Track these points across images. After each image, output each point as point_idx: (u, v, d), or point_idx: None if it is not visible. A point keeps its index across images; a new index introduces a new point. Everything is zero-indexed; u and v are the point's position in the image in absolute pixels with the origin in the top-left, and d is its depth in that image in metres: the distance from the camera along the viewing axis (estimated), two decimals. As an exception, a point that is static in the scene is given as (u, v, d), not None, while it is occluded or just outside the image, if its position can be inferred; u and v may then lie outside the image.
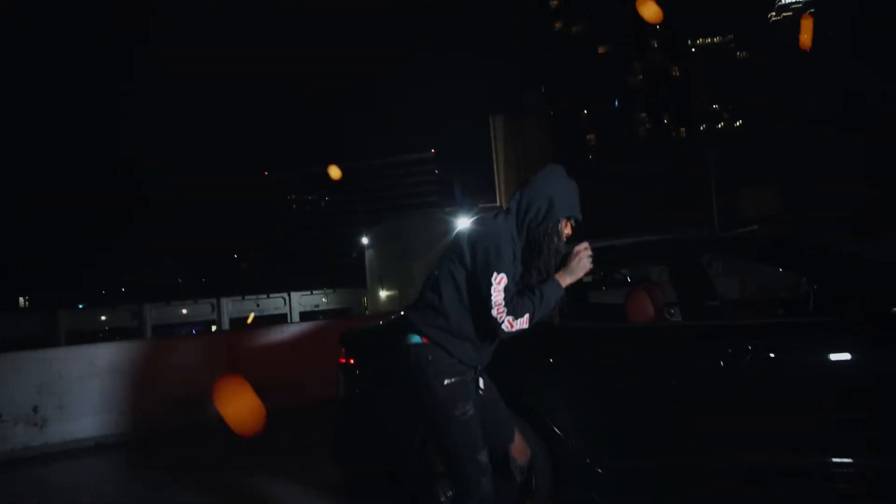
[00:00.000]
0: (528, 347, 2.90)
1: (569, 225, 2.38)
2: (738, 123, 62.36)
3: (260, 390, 6.61)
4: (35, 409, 5.96)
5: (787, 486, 2.71)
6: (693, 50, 68.51)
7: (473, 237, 2.30)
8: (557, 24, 74.32)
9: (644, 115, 70.56)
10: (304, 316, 44.56)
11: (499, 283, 2.18)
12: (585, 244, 2.34)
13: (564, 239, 2.36)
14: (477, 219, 2.39)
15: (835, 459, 2.64)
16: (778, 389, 2.75)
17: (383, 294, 47.29)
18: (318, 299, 48.96)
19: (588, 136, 72.18)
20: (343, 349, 3.68)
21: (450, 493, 2.46)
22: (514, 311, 2.17)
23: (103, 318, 40.80)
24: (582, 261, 2.30)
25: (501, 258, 2.21)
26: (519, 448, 2.46)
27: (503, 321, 2.17)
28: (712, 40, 67.51)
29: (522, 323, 2.19)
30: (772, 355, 2.76)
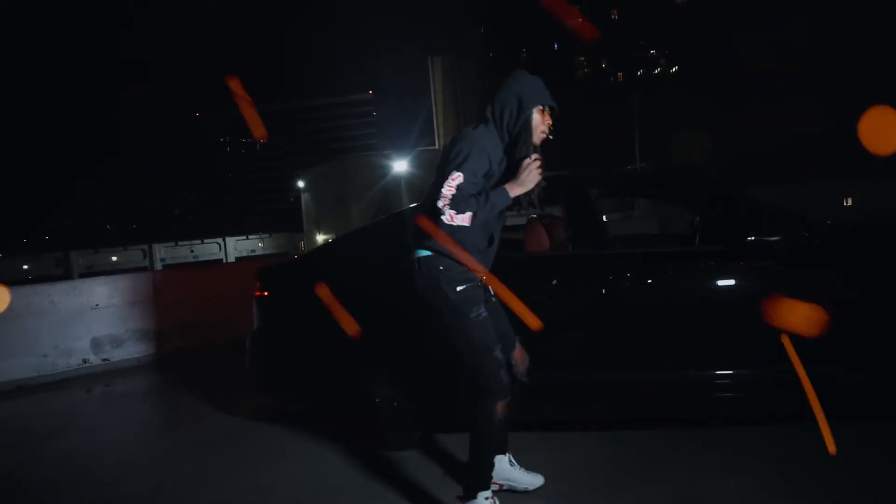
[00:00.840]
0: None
1: (546, 114, 2.50)
2: (673, 70, 63.34)
3: (190, 327, 6.77)
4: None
5: (675, 396, 3.07)
6: (632, -9, 68.62)
7: (450, 145, 2.44)
8: (499, -40, 72.80)
9: (582, 58, 70.74)
10: (241, 261, 43.76)
11: (454, 179, 2.31)
12: (535, 156, 2.43)
13: (547, 128, 2.50)
14: (461, 132, 2.50)
15: (715, 371, 3.00)
16: (656, 311, 3.08)
17: (320, 238, 46.87)
18: (254, 244, 48.10)
19: (527, 79, 71.88)
20: (258, 283, 3.83)
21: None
22: (457, 206, 2.28)
23: (25, 266, 39.01)
24: (531, 173, 2.40)
25: (466, 161, 2.34)
26: (519, 355, 2.62)
27: (445, 213, 2.27)
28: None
29: (463, 220, 2.28)
30: (649, 281, 3.08)
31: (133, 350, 6.63)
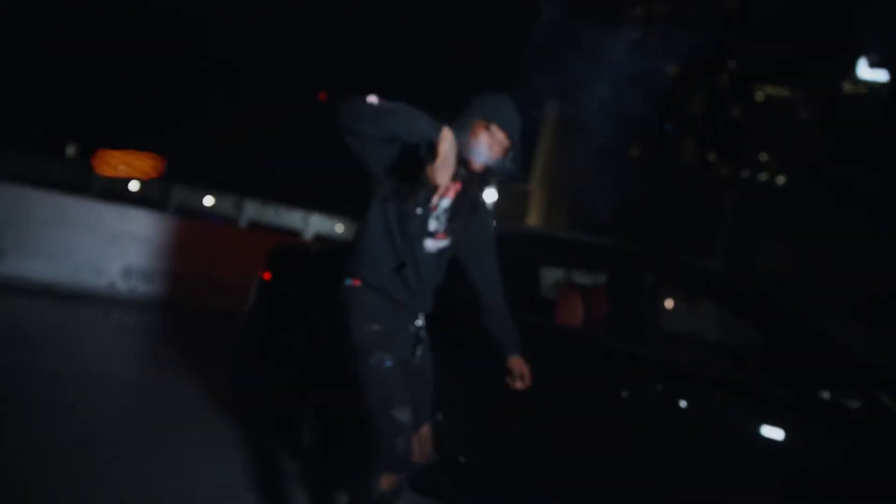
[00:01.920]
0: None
1: (494, 134, 1.96)
2: (781, 180, 60.50)
3: (223, 286, 6.49)
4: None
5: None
6: (759, 94, 66.25)
7: None
8: (637, 11, 71.94)
9: (695, 145, 68.74)
10: (317, 237, 44.50)
11: (371, 99, 1.80)
12: (449, 155, 1.80)
13: (492, 147, 1.96)
14: None
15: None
16: (675, 439, 2.41)
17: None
18: (335, 225, 48.89)
19: (632, 151, 70.58)
20: (265, 262, 3.41)
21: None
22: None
23: (132, 187, 41.14)
24: (440, 170, 1.79)
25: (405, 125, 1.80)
26: (423, 440, 2.08)
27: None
28: (781, 91, 65.17)
29: (370, 101, 1.77)
30: (682, 404, 2.41)
31: (159, 288, 6.39)
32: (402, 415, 1.91)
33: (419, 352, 2.06)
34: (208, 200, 43.17)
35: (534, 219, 56.42)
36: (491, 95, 2.03)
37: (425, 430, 2.09)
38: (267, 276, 3.28)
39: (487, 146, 1.96)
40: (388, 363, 1.94)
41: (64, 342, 4.48)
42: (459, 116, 1.98)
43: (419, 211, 1.97)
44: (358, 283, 2.00)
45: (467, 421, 2.61)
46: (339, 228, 49.83)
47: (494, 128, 1.96)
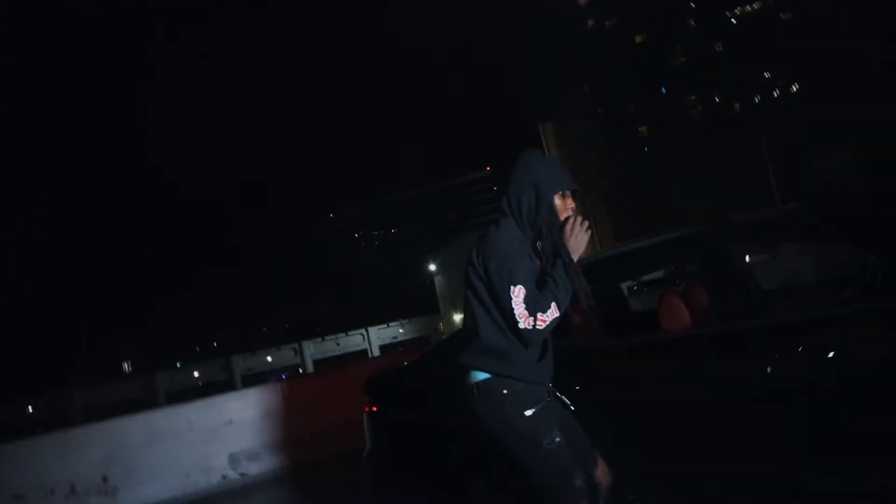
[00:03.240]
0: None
1: (566, 199, 2.23)
2: (794, 88, 59.10)
3: (321, 435, 6.54)
4: (104, 479, 6.00)
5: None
6: (734, 21, 65.77)
7: (483, 253, 2.19)
8: (590, 23, 73.02)
9: (693, 97, 68.09)
10: (384, 349, 44.83)
11: (517, 295, 2.06)
12: (574, 215, 2.19)
13: (571, 213, 2.23)
14: (482, 234, 2.28)
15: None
16: (848, 395, 2.27)
17: (458, 317, 47.16)
18: (395, 331, 49.28)
19: (639, 129, 70.10)
20: (367, 397, 3.44)
21: None
22: (538, 308, 2.04)
23: (196, 374, 42.46)
24: (578, 236, 2.14)
25: (514, 270, 2.10)
26: (602, 471, 2.25)
27: (534, 325, 2.04)
28: (752, 7, 64.63)
29: (552, 313, 2.05)
30: (831, 354, 2.29)
31: (268, 462, 6.50)
32: (580, 480, 2.06)
33: (565, 402, 2.23)
34: (269, 358, 44.26)
35: (606, 236, 55.82)
36: (548, 163, 2.25)
37: (600, 462, 2.23)
38: (374, 408, 3.31)
39: (569, 211, 2.21)
40: (558, 439, 2.07)
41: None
42: (523, 184, 2.19)
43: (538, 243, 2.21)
44: (491, 374, 2.12)
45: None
46: (401, 331, 50.10)
47: (568, 193, 2.21)
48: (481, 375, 2.13)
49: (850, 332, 2.30)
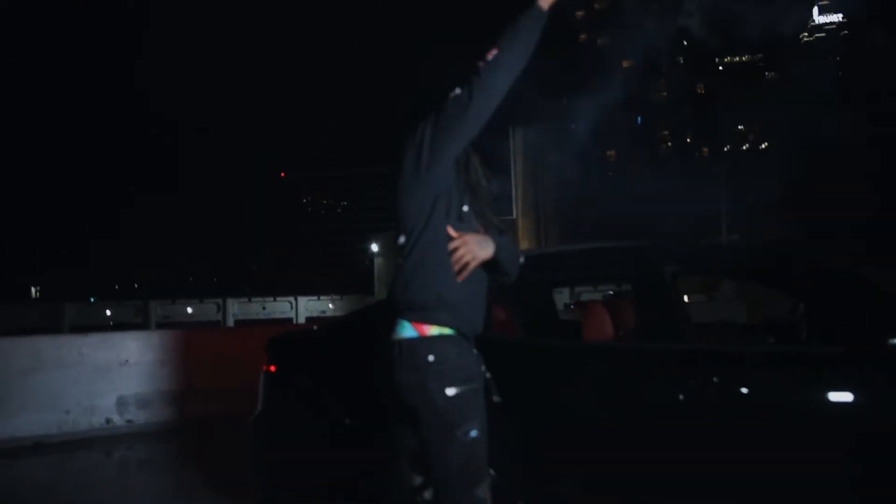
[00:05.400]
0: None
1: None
2: (763, 145, 61.41)
3: (221, 392, 6.33)
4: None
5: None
6: (720, 68, 67.78)
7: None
8: (582, 36, 73.96)
9: (666, 132, 69.87)
10: (311, 321, 44.17)
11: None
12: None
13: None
14: None
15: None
16: (748, 430, 2.31)
17: (391, 302, 47.07)
18: (325, 305, 48.44)
19: (608, 153, 71.45)
20: (267, 356, 3.30)
21: None
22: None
23: (108, 312, 40.87)
24: None
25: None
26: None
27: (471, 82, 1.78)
28: (740, 59, 66.71)
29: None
30: (744, 390, 2.33)
31: (158, 412, 6.24)
32: (483, 492, 1.81)
33: (494, 390, 1.95)
34: (189, 309, 42.89)
35: (526, 244, 56.58)
36: None
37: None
38: (272, 368, 3.18)
39: None
40: (475, 433, 1.80)
41: (67, 498, 4.31)
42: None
43: (465, 208, 1.92)
44: (424, 329, 1.82)
45: (521, 470, 2.49)
46: (330, 306, 49.55)
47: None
48: (408, 331, 1.83)
49: (767, 372, 2.36)
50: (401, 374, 1.82)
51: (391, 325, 1.88)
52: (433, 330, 1.83)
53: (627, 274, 2.69)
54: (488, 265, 1.92)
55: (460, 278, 1.85)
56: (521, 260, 2.06)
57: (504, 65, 1.78)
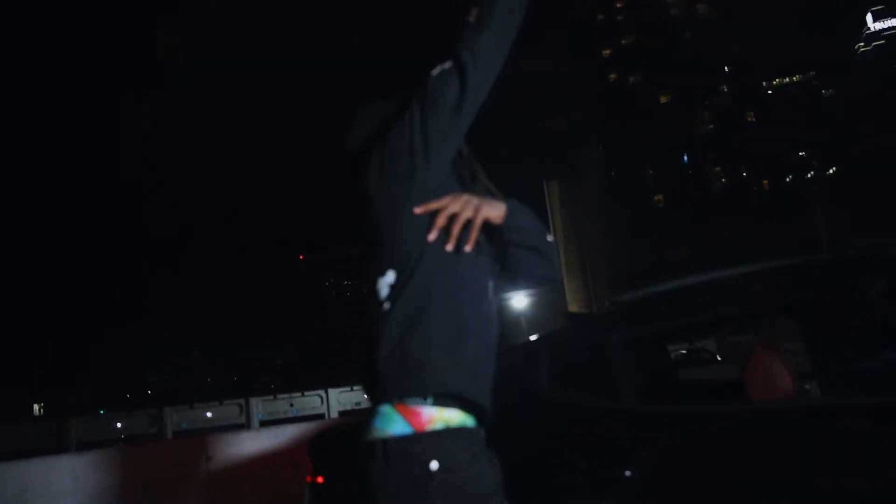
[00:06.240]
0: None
1: None
2: (831, 170, 60.31)
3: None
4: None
5: None
6: (769, 92, 67.67)
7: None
8: (612, 76, 74.76)
9: (718, 168, 69.27)
10: (344, 415, 43.57)
11: None
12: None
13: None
14: None
15: None
16: None
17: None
18: (359, 395, 47.98)
19: (655, 198, 70.84)
20: (309, 463, 2.75)
21: None
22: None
23: (119, 424, 40.75)
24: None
25: None
26: None
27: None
28: (791, 79, 66.57)
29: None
30: None
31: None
32: None
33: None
34: (209, 413, 42.75)
35: (576, 306, 55.64)
36: None
37: None
38: (319, 479, 2.63)
39: None
40: None
41: None
42: None
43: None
44: (423, 418, 1.35)
45: None
46: (366, 397, 49.03)
47: None
48: (395, 428, 1.37)
49: None
50: (385, 493, 1.33)
51: (369, 416, 1.42)
52: (437, 421, 1.36)
53: (803, 297, 2.10)
54: (500, 262, 1.58)
55: (468, 247, 1.44)
56: (550, 238, 1.65)
57: (489, 24, 1.50)
